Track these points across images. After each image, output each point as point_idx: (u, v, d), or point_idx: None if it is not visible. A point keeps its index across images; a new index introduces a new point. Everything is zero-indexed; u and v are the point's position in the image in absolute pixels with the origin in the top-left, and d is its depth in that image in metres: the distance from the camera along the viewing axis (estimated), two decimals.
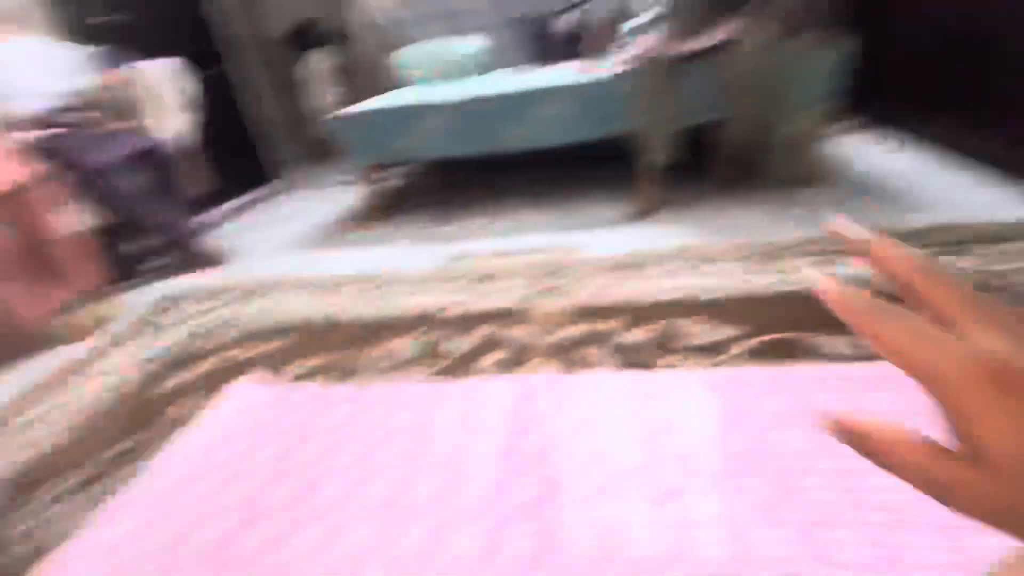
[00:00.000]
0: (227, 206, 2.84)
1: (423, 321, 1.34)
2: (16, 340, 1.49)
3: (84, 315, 1.59)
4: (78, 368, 1.36)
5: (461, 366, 1.13)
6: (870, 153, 2.07)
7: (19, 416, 1.19)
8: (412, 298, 1.47)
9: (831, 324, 1.05)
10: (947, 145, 1.87)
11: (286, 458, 0.94)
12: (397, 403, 1.04)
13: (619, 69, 1.82)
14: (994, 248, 1.21)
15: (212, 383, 1.21)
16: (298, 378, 1.19)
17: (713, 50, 1.66)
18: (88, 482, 0.96)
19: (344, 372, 1.18)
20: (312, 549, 0.76)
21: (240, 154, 3.06)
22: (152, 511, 0.87)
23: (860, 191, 1.72)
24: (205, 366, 1.29)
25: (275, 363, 1.26)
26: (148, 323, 1.59)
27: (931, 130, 1.95)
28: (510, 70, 2.70)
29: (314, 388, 1.13)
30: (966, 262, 1.18)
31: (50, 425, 1.14)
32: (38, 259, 1.54)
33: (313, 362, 1.24)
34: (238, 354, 1.32)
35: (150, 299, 1.75)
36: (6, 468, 1.03)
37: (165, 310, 1.65)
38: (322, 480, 0.88)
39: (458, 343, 1.22)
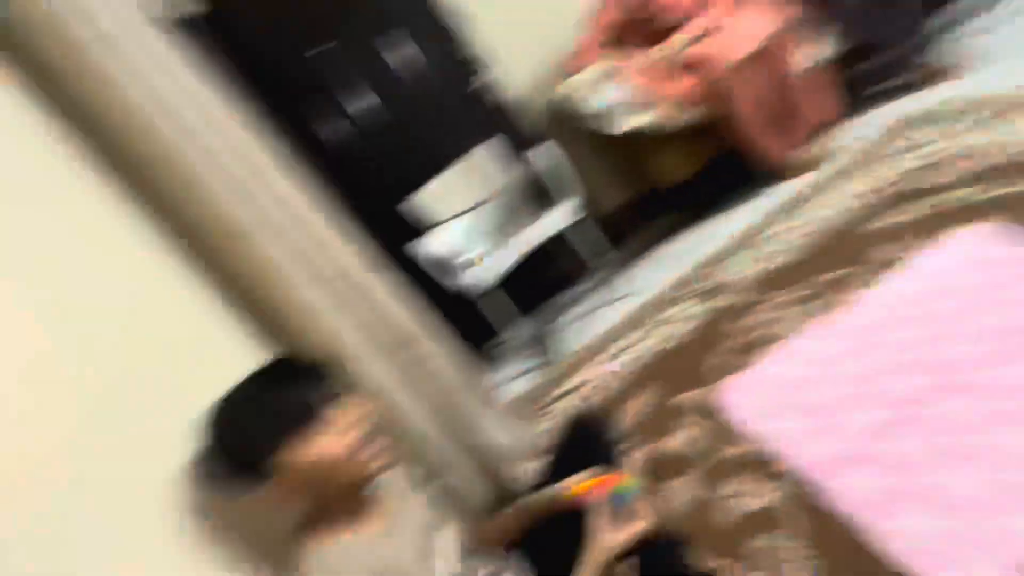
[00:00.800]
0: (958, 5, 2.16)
1: None
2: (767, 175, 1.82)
3: (814, 148, 1.73)
4: (806, 196, 1.54)
5: None
6: None
7: (760, 234, 1.51)
8: None
9: None
10: None
11: (1007, 326, 0.78)
12: None
13: None
14: None
15: (933, 226, 1.09)
16: None
17: None
18: (806, 299, 1.15)
19: None
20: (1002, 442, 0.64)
21: None
22: (847, 344, 0.96)
23: None
24: (926, 207, 1.17)
25: (1016, 208, 0.98)
26: (873, 153, 1.55)
27: None
28: None
29: None
30: None
31: (784, 243, 1.39)
32: (784, 100, 1.74)
33: None
34: (975, 193, 1.10)
35: (878, 126, 1.67)
36: (755, 274, 1.35)
37: (893, 138, 1.55)
38: None
39: None
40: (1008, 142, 1.19)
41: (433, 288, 1.33)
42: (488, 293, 1.45)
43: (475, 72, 1.64)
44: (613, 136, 1.67)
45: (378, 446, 0.52)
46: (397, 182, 1.57)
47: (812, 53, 1.75)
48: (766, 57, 1.62)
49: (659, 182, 1.85)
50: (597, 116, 1.66)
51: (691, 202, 1.87)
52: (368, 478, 0.53)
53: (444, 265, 1.48)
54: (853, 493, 0.72)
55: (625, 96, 1.63)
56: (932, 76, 1.74)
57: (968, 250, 0.99)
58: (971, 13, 2.16)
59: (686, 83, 1.59)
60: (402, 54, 1.57)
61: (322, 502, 0.52)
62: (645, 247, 1.87)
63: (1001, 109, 1.32)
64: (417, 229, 1.54)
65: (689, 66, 1.60)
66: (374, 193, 1.53)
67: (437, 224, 1.57)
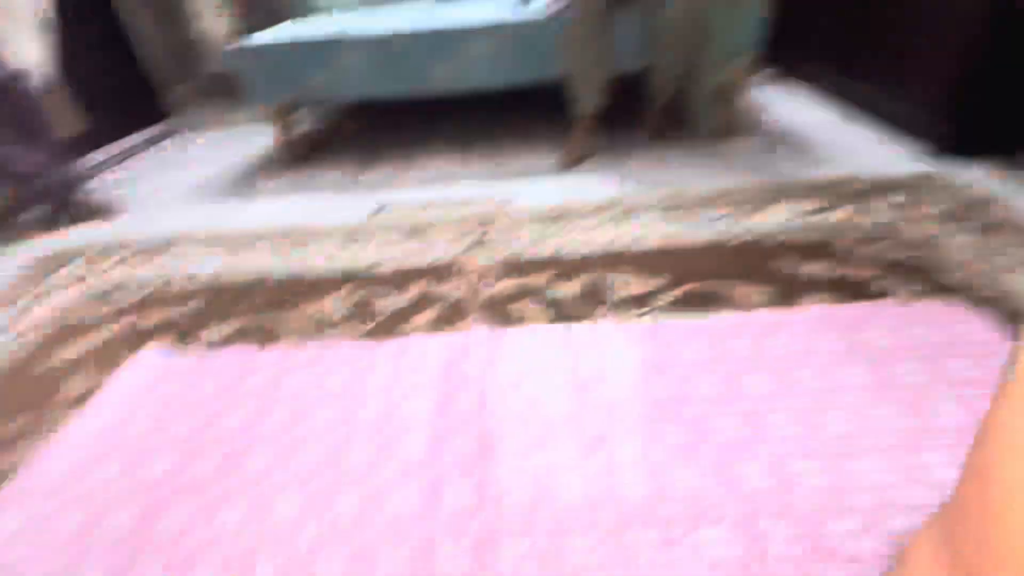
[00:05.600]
0: (115, 149, 2.50)
1: (349, 278, 1.28)
2: None
3: None
4: None
5: (392, 325, 1.10)
6: (783, 104, 2.16)
7: None
8: (336, 254, 1.40)
9: (747, 273, 1.12)
10: (850, 99, 1.99)
11: (204, 431, 0.89)
12: (325, 366, 1.00)
13: (552, 10, 1.74)
14: (885, 200, 1.33)
15: (111, 354, 1.10)
16: (212, 345, 1.11)
17: None
18: None
19: (264, 336, 1.12)
20: (240, 523, 0.73)
21: (125, 88, 2.67)
22: (50, 501, 0.80)
23: (775, 143, 1.81)
24: (102, 335, 1.17)
25: (184, 330, 1.16)
26: (30, 286, 1.40)
27: (836, 84, 2.06)
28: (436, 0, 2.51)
29: (231, 354, 1.07)
30: (864, 216, 1.29)
31: None
32: None
33: (228, 327, 1.16)
34: (140, 321, 1.21)
35: (29, 259, 1.54)
36: None
37: (49, 271, 1.46)
38: (246, 451, 0.85)
39: (388, 301, 1.18)
40: (157, 276, 1.38)
41: None
42: None
43: None
44: None
45: None
46: None
47: None
48: None
49: None
50: None
51: None
52: None
53: None
54: None
55: None
56: (83, 214, 1.79)
57: (149, 367, 1.05)
58: (120, 160, 2.42)
59: None
60: None
61: None
62: None
63: (151, 246, 1.54)
64: None
65: None
66: None
67: None
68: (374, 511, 0.73)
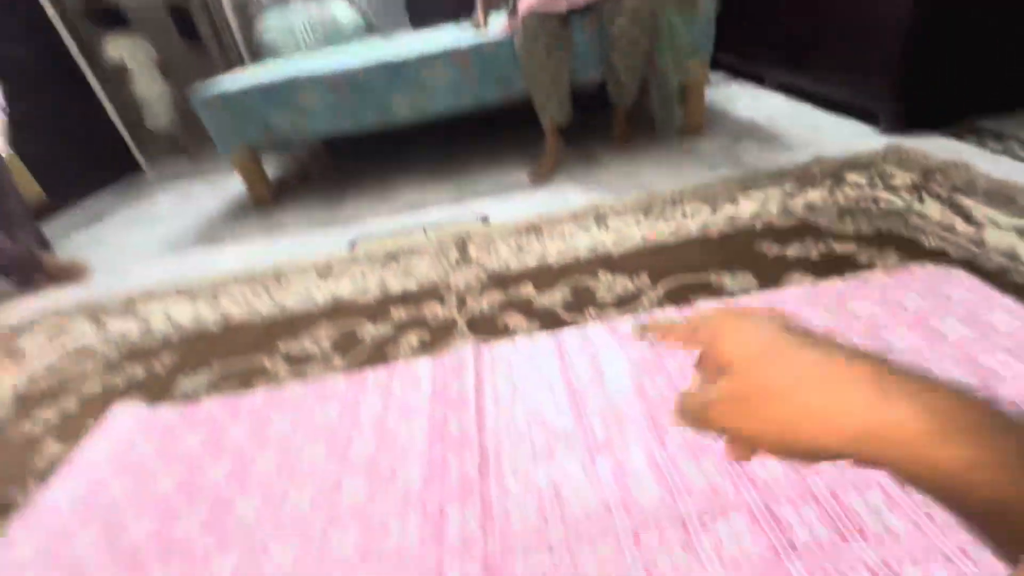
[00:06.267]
0: (79, 210, 2.45)
1: (329, 313, 1.24)
2: None
3: None
4: None
5: (378, 353, 1.07)
6: (741, 100, 2.22)
7: None
8: (313, 290, 1.37)
9: (729, 262, 1.12)
10: (802, 93, 2.05)
11: (187, 485, 0.84)
12: (311, 402, 0.96)
13: (507, 30, 1.77)
14: (855, 177, 1.35)
15: (87, 416, 1.04)
16: (190, 396, 1.06)
17: (597, 3, 1.66)
18: None
19: (244, 381, 1.07)
20: (234, 574, 0.68)
21: (89, 147, 2.64)
22: (30, 570, 0.74)
23: (739, 136, 1.84)
24: (74, 399, 1.11)
25: (161, 383, 1.11)
26: (0, 354, 1.33)
27: (787, 80, 2.12)
28: (393, 32, 2.54)
29: (211, 404, 1.02)
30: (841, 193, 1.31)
31: None
32: None
33: (206, 376, 1.11)
34: (114, 379, 1.15)
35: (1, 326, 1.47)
36: None
37: (15, 337, 1.40)
38: (234, 501, 0.79)
39: (372, 329, 1.15)
40: (127, 333, 1.33)
41: None
42: None
43: None
44: None
45: None
46: None
47: None
48: None
49: None
50: None
51: None
52: None
53: None
54: None
55: None
56: (50, 278, 1.73)
57: (123, 425, 0.99)
58: (87, 221, 2.36)
59: None
60: None
61: None
62: None
63: (122, 304, 1.48)
64: None
65: None
66: None
67: None
68: (376, 545, 0.69)
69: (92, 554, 0.75)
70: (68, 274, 1.74)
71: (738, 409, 0.22)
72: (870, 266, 1.01)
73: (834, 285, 0.98)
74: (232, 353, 1.16)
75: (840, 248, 1.08)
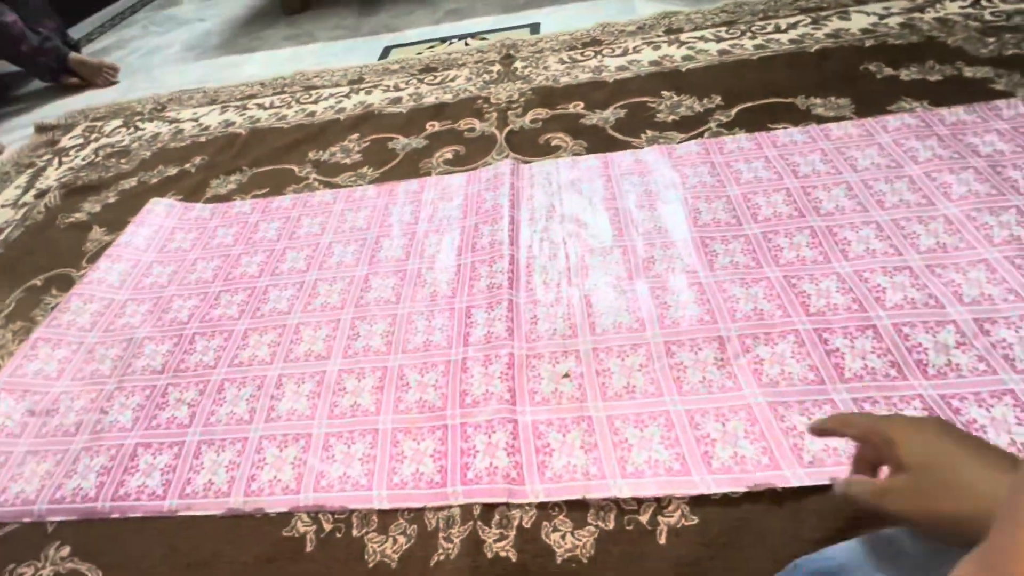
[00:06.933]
0: (108, 11, 2.31)
1: (361, 122, 1.15)
2: None
3: None
4: None
5: (411, 165, 1.00)
6: None
7: None
8: (345, 99, 1.26)
9: (824, 84, 0.94)
10: None
11: (222, 275, 0.85)
12: (342, 207, 0.93)
13: None
14: None
15: (126, 208, 1.05)
16: (220, 198, 1.04)
17: None
18: (14, 312, 0.86)
19: (275, 185, 1.03)
20: (267, 356, 0.71)
21: None
22: (85, 338, 0.79)
23: None
24: (113, 193, 1.12)
25: (193, 184, 1.09)
26: (35, 154, 1.34)
27: None
28: None
29: (243, 203, 1.00)
30: None
31: None
32: None
33: (238, 179, 1.08)
34: (147, 178, 1.14)
35: (31, 127, 1.47)
36: None
37: (53, 137, 1.39)
38: (269, 290, 0.81)
39: (405, 141, 1.06)
40: (157, 135, 1.29)
41: None
42: None
43: None
44: None
45: None
46: None
47: None
48: None
49: None
50: None
51: None
52: None
53: None
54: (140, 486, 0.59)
55: None
56: (82, 79, 1.68)
57: (160, 219, 1.00)
58: (114, 24, 2.24)
59: None
60: None
61: None
62: None
63: (152, 106, 1.43)
64: None
65: None
66: None
67: None
68: (402, 338, 0.69)
69: (140, 324, 0.80)
70: (97, 73, 1.67)
71: (911, 499, 0.29)
72: (1007, 95, 0.82)
73: (954, 113, 0.81)
74: (261, 159, 1.11)
75: (971, 72, 0.88)
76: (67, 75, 1.66)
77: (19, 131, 1.52)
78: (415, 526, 0.51)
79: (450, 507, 0.52)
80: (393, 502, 0.53)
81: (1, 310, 0.88)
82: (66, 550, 0.56)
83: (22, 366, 0.76)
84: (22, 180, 1.24)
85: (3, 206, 1.17)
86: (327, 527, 0.53)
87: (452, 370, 0.64)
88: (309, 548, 0.52)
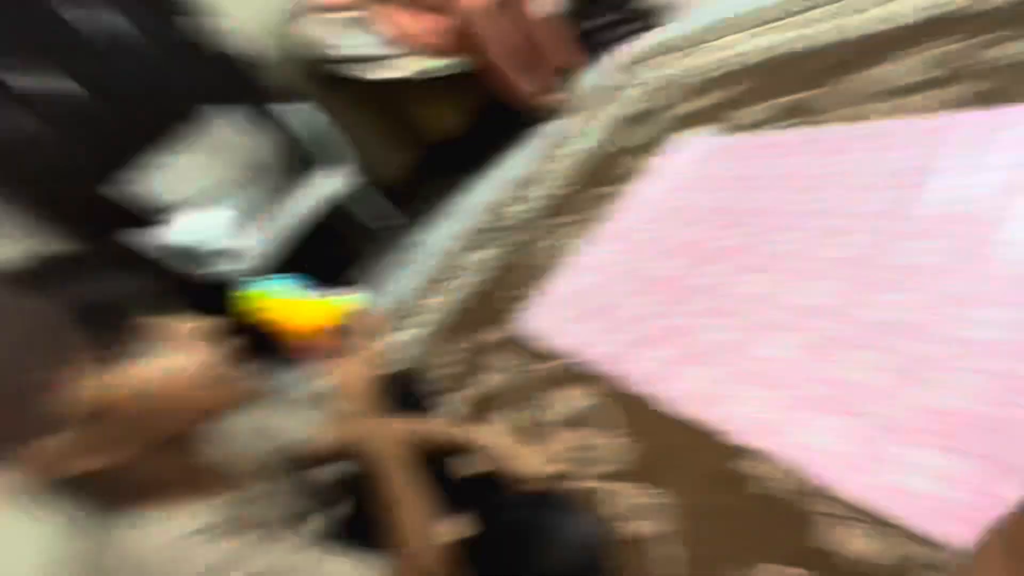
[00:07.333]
0: None
1: (931, 28, 0.92)
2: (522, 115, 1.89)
3: (563, 89, 1.85)
4: (563, 133, 1.65)
5: (999, 89, 0.74)
6: None
7: (535, 171, 1.57)
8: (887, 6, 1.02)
9: None
10: None
11: (737, 206, 0.92)
12: (882, 145, 0.81)
13: None
14: None
15: (666, 136, 1.24)
16: (755, 127, 1.07)
17: None
18: (581, 219, 1.22)
19: (813, 114, 0.98)
20: (762, 297, 0.74)
21: None
22: (617, 247, 1.04)
23: None
24: (660, 122, 1.33)
25: (728, 111, 1.17)
26: (608, 89, 1.72)
27: None
28: None
29: (769, 137, 1.01)
30: None
31: (556, 176, 1.47)
32: (531, 45, 1.80)
33: (770, 108, 1.08)
34: (691, 106, 1.29)
35: (609, 67, 1.86)
36: (537, 208, 1.41)
37: (622, 75, 1.74)
38: (775, 230, 0.82)
39: (997, 53, 0.79)
40: (708, 65, 1.42)
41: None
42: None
43: (191, 23, 1.28)
44: (375, 91, 1.54)
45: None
46: (104, 166, 1.17)
47: (547, 2, 1.83)
48: (509, 2, 1.64)
49: (431, 137, 1.79)
50: (348, 63, 1.50)
51: (468, 156, 1.85)
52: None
53: (191, 254, 1.19)
54: (647, 369, 0.76)
55: (375, 41, 1.50)
56: (649, 22, 1.97)
57: (692, 149, 1.14)
58: None
59: (434, 25, 1.52)
60: (92, 14, 1.14)
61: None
62: (431, 205, 1.80)
63: (698, 40, 1.57)
64: (143, 216, 1.19)
65: (434, 8, 1.54)
66: (73, 180, 1.14)
67: (173, 209, 1.24)
68: (898, 309, 0.58)
69: (661, 238, 0.97)
70: (653, 17, 1.91)
71: None
72: None
73: None
74: (800, 84, 1.07)
75: None
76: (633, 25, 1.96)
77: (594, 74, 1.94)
78: None
79: None
80: None
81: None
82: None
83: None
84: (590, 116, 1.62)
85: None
86: None
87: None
88: None
